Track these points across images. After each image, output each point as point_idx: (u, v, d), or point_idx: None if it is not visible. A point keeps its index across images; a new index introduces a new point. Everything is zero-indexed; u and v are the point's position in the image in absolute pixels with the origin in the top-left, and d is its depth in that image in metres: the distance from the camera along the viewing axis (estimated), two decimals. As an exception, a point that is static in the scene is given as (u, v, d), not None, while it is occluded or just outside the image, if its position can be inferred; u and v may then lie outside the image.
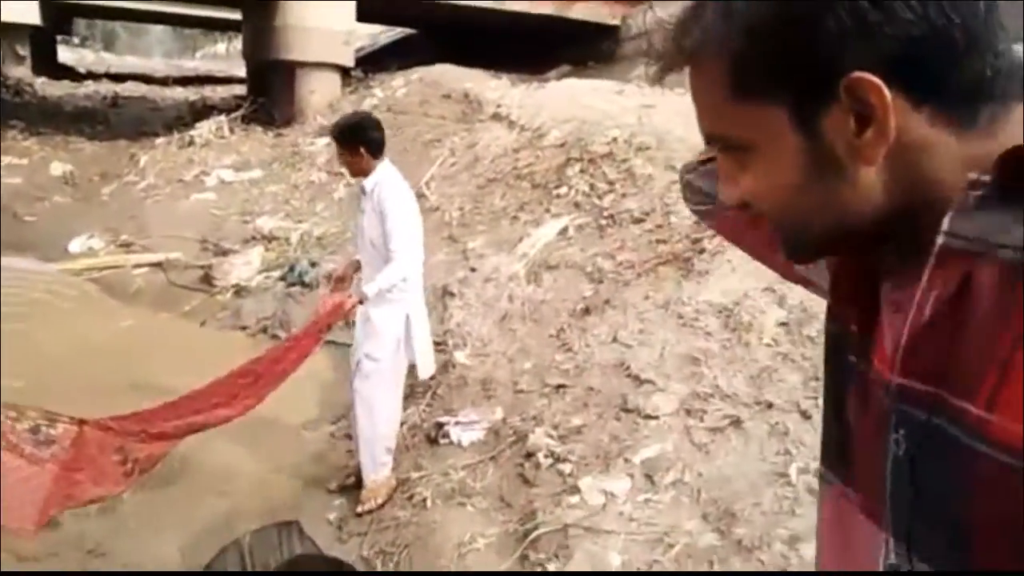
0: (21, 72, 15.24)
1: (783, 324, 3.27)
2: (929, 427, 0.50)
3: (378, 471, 3.25)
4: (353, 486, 3.37)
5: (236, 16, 13.18)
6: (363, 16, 10.28)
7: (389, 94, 9.15)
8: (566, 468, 3.06)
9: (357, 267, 3.37)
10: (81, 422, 2.67)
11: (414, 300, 3.25)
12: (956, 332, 0.49)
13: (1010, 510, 0.45)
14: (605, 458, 3.04)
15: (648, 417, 3.15)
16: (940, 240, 0.50)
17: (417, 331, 3.26)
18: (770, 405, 2.89)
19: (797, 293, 3.39)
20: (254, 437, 3.83)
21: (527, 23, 11.22)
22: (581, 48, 10.91)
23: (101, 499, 2.83)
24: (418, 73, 9.29)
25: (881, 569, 0.56)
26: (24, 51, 16.11)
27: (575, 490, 2.88)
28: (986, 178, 0.49)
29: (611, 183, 5.42)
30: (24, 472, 2.61)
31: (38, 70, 15.78)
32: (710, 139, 0.62)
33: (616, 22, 10.96)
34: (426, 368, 3.41)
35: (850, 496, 0.61)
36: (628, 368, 3.51)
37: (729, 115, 0.57)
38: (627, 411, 3.28)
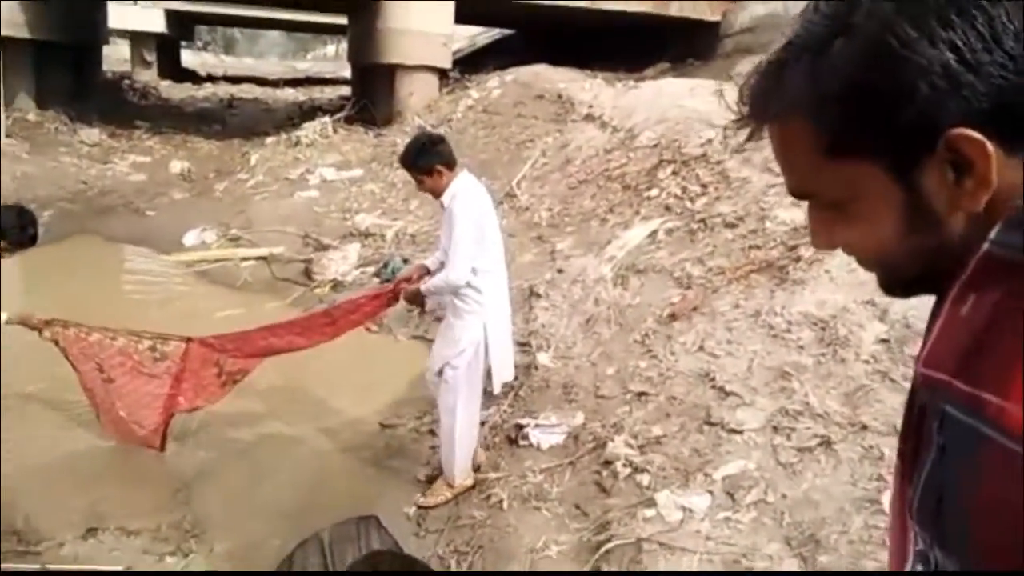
0: (148, 76, 16.43)
1: (883, 340, 3.08)
2: (947, 415, 0.52)
3: (452, 472, 3.30)
4: (435, 480, 3.44)
5: (344, 20, 13.69)
6: (461, 18, 10.45)
7: (484, 95, 9.25)
8: (644, 479, 3.00)
9: (424, 272, 3.41)
10: (188, 340, 3.38)
11: (493, 311, 3.25)
12: (981, 327, 0.51)
13: (1010, 496, 0.46)
14: (685, 472, 2.96)
15: (732, 431, 3.04)
16: (985, 247, 0.52)
17: (495, 341, 3.25)
18: (864, 427, 2.72)
19: (899, 307, 3.19)
20: (339, 430, 3.98)
21: (625, 21, 11.07)
22: (680, 46, 10.67)
23: (200, 407, 3.48)
24: (512, 74, 9.35)
25: (911, 555, 0.58)
26: (151, 56, 17.38)
27: (652, 503, 2.82)
28: None
29: (704, 186, 5.27)
30: (146, 386, 3.38)
31: (163, 74, 17.01)
32: (801, 195, 0.64)
33: (716, 18, 10.64)
34: (500, 379, 3.41)
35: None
36: (713, 379, 3.40)
37: (822, 173, 0.60)
38: (710, 424, 3.18)
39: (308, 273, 6.36)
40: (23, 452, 3.42)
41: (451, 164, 3.21)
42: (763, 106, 0.61)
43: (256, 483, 3.42)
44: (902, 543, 0.60)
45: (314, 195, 8.02)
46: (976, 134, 0.52)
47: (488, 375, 3.31)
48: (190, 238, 7.24)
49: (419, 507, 3.29)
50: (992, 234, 0.53)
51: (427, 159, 3.18)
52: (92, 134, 10.47)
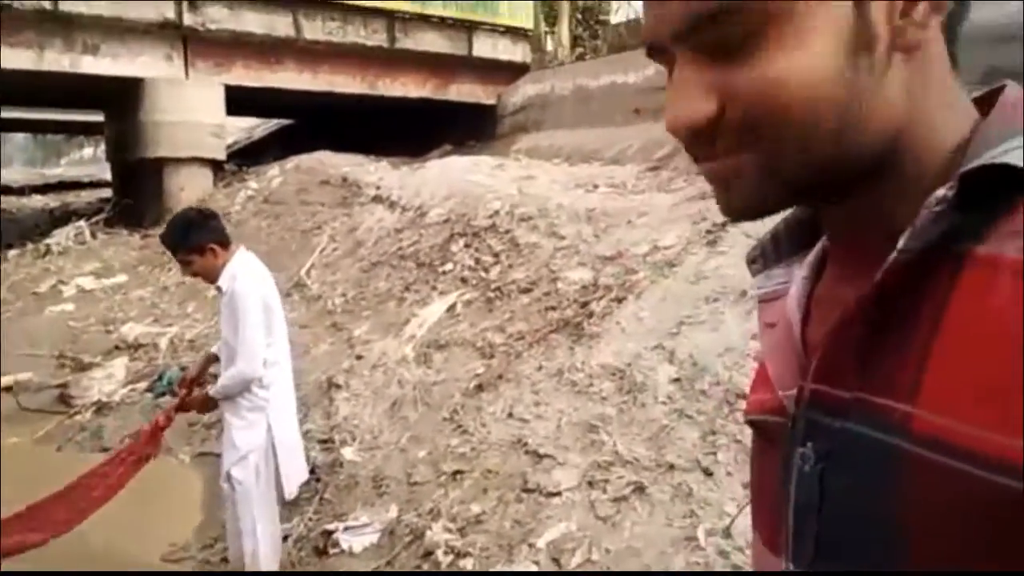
0: None
1: (675, 380, 3.19)
2: (845, 433, 0.46)
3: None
4: None
5: (100, 118, 12.63)
6: (233, 109, 10.05)
7: (265, 184, 8.88)
8: (467, 563, 2.79)
9: (211, 361, 3.05)
10: None
11: (279, 408, 2.93)
12: (879, 333, 0.46)
13: (940, 508, 0.41)
14: (508, 547, 2.80)
15: (550, 495, 2.95)
16: (892, 256, 0.44)
17: (282, 441, 2.93)
18: (672, 466, 2.76)
19: (686, 347, 3.35)
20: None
21: (406, 107, 11.33)
22: (461, 128, 11.09)
23: None
24: (294, 161, 9.10)
25: None
26: None
27: (478, 588, 2.62)
28: (950, 194, 0.43)
29: (496, 255, 5.34)
30: None
31: None
32: (677, 35, 0.47)
33: (492, 101, 11.23)
34: (294, 483, 3.08)
35: (758, 537, 0.58)
36: (526, 444, 3.32)
37: None
38: (528, 491, 3.07)
39: (64, 399, 5.48)
40: None
41: (225, 242, 2.88)
42: None
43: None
44: None
45: (69, 308, 7.05)
46: None
47: (279, 481, 2.95)
48: (-93, 374, 5.98)
49: None
50: (901, 242, 0.44)
51: (197, 236, 2.81)
52: None
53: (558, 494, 2.93)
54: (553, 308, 4.42)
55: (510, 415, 3.62)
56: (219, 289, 2.90)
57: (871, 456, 0.44)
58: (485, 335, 4.50)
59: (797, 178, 0.46)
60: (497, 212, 5.80)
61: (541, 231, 5.33)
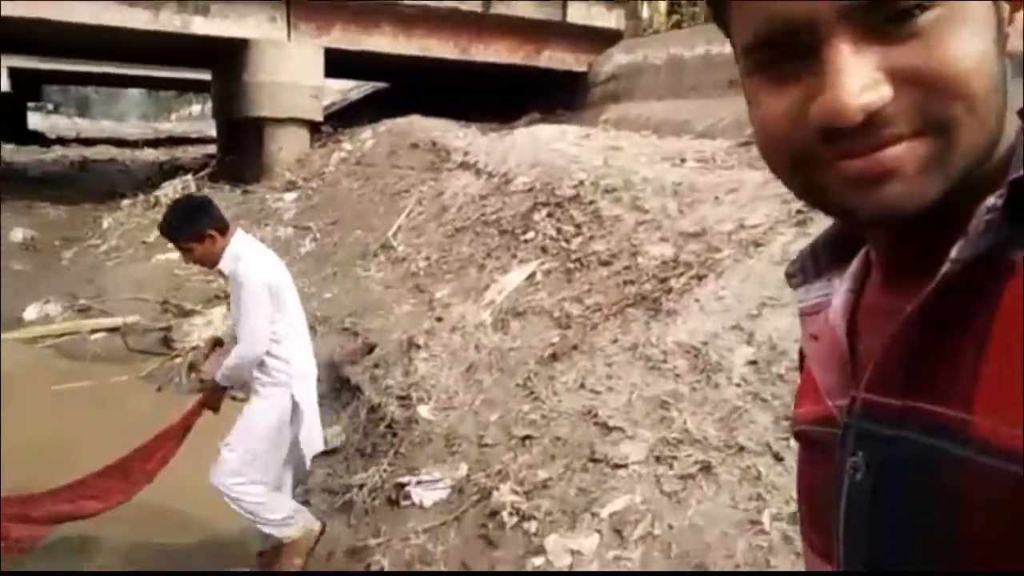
0: (-12, 139, 15.12)
1: (752, 362, 3.14)
2: (898, 442, 0.46)
3: (282, 532, 2.99)
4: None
5: (208, 76, 13.24)
6: (332, 71, 10.33)
7: (358, 146, 9.12)
8: (531, 527, 2.87)
9: (216, 344, 3.12)
10: None
11: (300, 380, 2.97)
12: (932, 342, 0.46)
13: (996, 513, 0.41)
14: (572, 513, 2.86)
15: (616, 466, 2.98)
16: (945, 267, 0.44)
17: (307, 410, 2.99)
18: (741, 448, 2.73)
19: (766, 329, 3.28)
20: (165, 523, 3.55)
21: (497, 73, 11.33)
22: (550, 96, 11.01)
23: None
24: (386, 125, 9.29)
25: None
26: (-8, 118, 16.07)
27: (540, 550, 2.69)
28: (999, 203, 0.43)
29: (578, 226, 5.34)
30: None
31: (6, 137, 15.71)
32: (866, 3, 0.43)
33: (583, 69, 11.08)
34: (311, 452, 3.18)
35: (808, 547, 0.59)
36: (596, 415, 3.35)
37: None
38: (595, 461, 3.11)
39: (167, 342, 5.89)
40: None
41: (223, 227, 2.86)
42: None
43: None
44: None
45: (174, 257, 7.50)
46: None
47: (299, 454, 3.07)
48: (31, 312, 6.56)
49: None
50: (953, 252, 0.44)
51: (195, 224, 2.80)
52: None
53: (624, 466, 2.96)
54: (632, 282, 4.39)
55: (582, 386, 3.65)
56: (221, 273, 2.91)
57: (926, 463, 0.44)
58: (562, 305, 4.53)
59: (959, 171, 0.44)
60: (581, 183, 5.77)
61: (624, 204, 5.28)
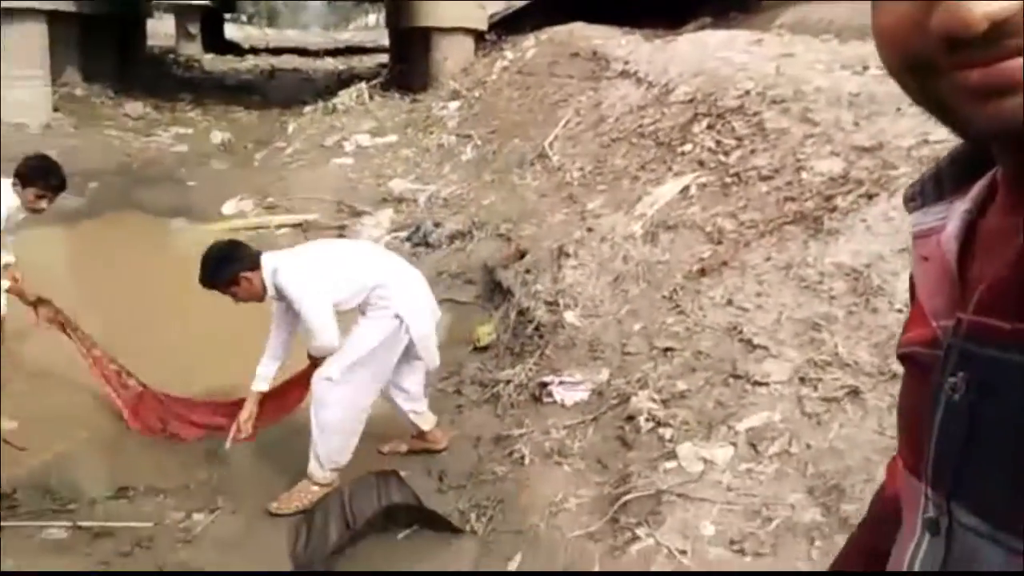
0: (192, 49, 16.65)
1: (918, 288, 2.93)
2: (1002, 363, 0.45)
3: (314, 469, 3.05)
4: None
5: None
6: (496, -23, 10.25)
7: (519, 56, 9.10)
8: (667, 433, 2.95)
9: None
10: (143, 386, 3.54)
11: (408, 309, 3.07)
12: None
13: None
14: (708, 424, 2.90)
15: (758, 384, 2.96)
16: None
17: (417, 329, 3.09)
18: (895, 375, 2.61)
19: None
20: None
21: (665, -25, 10.69)
22: (723, -1, 10.26)
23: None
24: (548, 33, 9.17)
25: (918, 524, 0.53)
26: (195, 30, 17.59)
27: (673, 455, 2.78)
28: None
29: (739, 139, 5.09)
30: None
31: (207, 47, 17.21)
32: None
33: (761, -33, 10.18)
34: (431, 362, 3.29)
35: (901, 462, 0.58)
36: (741, 332, 3.31)
37: None
38: (736, 377, 3.10)
39: (342, 238, 6.40)
40: (52, 412, 3.53)
41: (254, 264, 2.95)
42: None
43: (283, 441, 3.43)
44: (912, 514, 0.55)
45: (349, 162, 8.05)
46: None
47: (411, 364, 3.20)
48: (228, 207, 7.37)
49: (272, 513, 2.98)
50: None
51: (226, 272, 2.94)
52: (136, 107, 10.70)
53: (766, 384, 2.93)
54: (793, 199, 4.18)
55: (729, 302, 3.60)
56: (276, 299, 3.02)
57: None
58: (716, 220, 4.41)
59: None
60: (747, 92, 5.45)
61: (793, 115, 4.94)
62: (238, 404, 3.23)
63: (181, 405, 3.55)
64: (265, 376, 3.15)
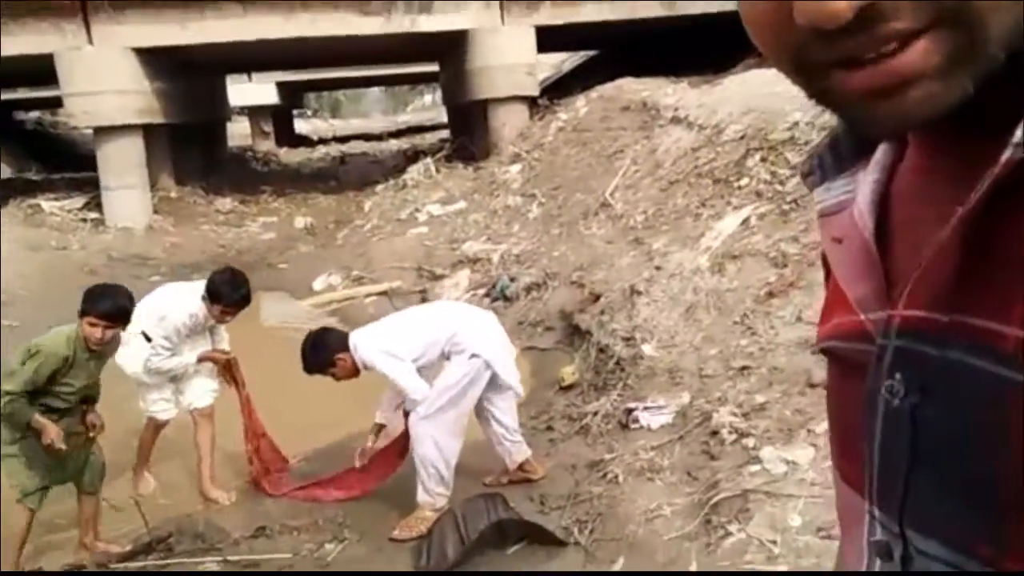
0: (267, 145, 18.01)
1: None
2: (943, 363, 0.41)
3: (421, 496, 3.33)
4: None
5: (435, 68, 14.57)
6: (543, 47, 10.91)
7: (572, 115, 9.60)
8: (749, 442, 3.15)
9: (379, 429, 3.64)
10: (263, 434, 3.86)
11: (484, 346, 3.38)
12: (985, 247, 0.40)
13: None
14: (788, 431, 3.09)
15: (833, 389, 3.13)
16: (1007, 154, 0.37)
17: (495, 361, 3.39)
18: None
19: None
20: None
21: (704, 23, 11.14)
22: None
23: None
24: (597, 91, 9.66)
25: (865, 547, 0.48)
26: (268, 127, 19.07)
27: (757, 460, 2.97)
28: None
29: (793, 167, 5.32)
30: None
31: (280, 142, 18.61)
32: None
33: (800, 5, 10.49)
34: (517, 389, 3.60)
35: (839, 475, 0.53)
36: (813, 345, 3.50)
37: None
38: (812, 386, 3.28)
39: (425, 302, 6.86)
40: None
41: (344, 345, 3.31)
42: None
43: (394, 479, 3.74)
44: (856, 533, 0.50)
45: (424, 231, 8.60)
46: None
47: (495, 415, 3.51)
48: (318, 283, 7.96)
49: (393, 540, 3.26)
50: (1018, 135, 0.37)
51: (322, 357, 3.32)
52: (225, 202, 11.69)
53: (840, 389, 3.10)
54: (852, 218, 4.37)
55: (799, 319, 3.79)
56: (367, 368, 3.34)
57: (975, 388, 0.39)
58: (779, 245, 4.63)
59: (988, 65, 0.37)
60: (796, 124, 5.70)
61: (844, 140, 5.16)
62: (346, 476, 3.67)
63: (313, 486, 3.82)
64: (381, 418, 3.62)
